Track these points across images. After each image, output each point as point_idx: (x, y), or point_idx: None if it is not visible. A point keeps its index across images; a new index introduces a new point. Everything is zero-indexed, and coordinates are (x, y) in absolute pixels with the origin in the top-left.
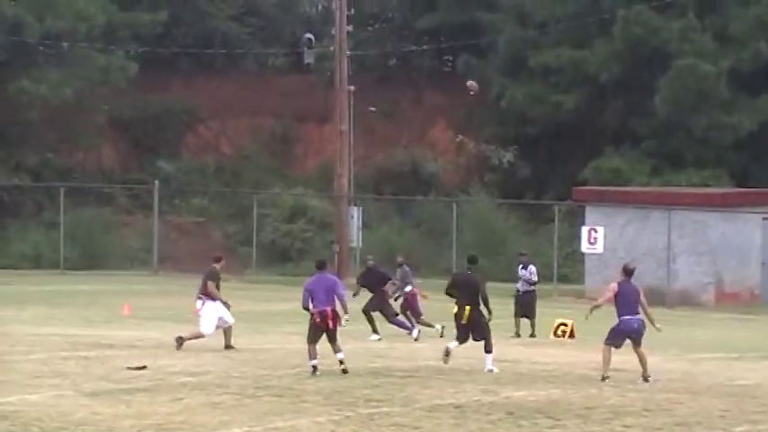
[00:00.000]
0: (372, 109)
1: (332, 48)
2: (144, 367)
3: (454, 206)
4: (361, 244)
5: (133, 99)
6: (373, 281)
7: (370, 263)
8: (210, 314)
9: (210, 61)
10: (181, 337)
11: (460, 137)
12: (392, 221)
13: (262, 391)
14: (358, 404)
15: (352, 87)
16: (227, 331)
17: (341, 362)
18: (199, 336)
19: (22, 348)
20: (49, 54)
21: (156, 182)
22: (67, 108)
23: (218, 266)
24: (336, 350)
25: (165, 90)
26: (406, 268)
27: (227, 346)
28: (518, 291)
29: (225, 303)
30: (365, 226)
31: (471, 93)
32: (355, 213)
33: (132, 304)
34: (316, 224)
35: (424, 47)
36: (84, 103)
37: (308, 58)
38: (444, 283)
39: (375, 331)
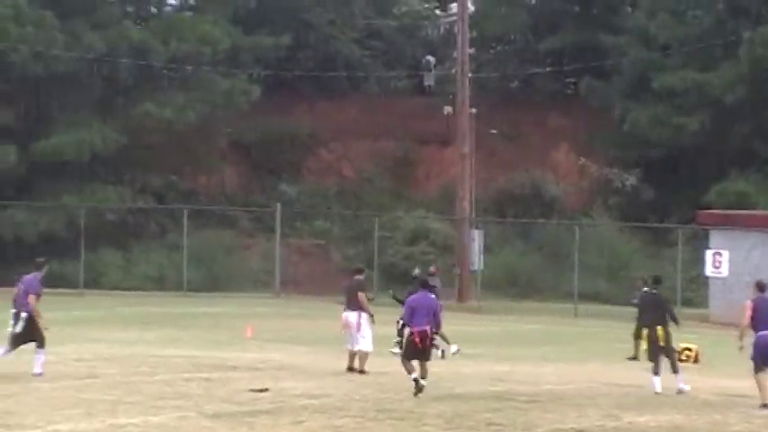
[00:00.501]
0: (494, 131)
1: (453, 70)
2: (266, 389)
3: (576, 229)
4: (482, 267)
5: (256, 122)
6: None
7: (416, 271)
8: (369, 330)
9: (332, 84)
10: (351, 368)
11: (583, 160)
12: (514, 245)
13: (383, 415)
14: (479, 428)
15: (473, 110)
16: (361, 355)
17: (417, 381)
18: (365, 357)
19: (146, 370)
20: (173, 78)
21: (279, 204)
22: (191, 131)
23: (362, 278)
24: (423, 374)
25: (287, 113)
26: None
27: (351, 369)
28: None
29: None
30: (486, 249)
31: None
32: (476, 236)
33: (254, 326)
34: (437, 247)
35: (547, 69)
36: (208, 126)
37: (429, 81)
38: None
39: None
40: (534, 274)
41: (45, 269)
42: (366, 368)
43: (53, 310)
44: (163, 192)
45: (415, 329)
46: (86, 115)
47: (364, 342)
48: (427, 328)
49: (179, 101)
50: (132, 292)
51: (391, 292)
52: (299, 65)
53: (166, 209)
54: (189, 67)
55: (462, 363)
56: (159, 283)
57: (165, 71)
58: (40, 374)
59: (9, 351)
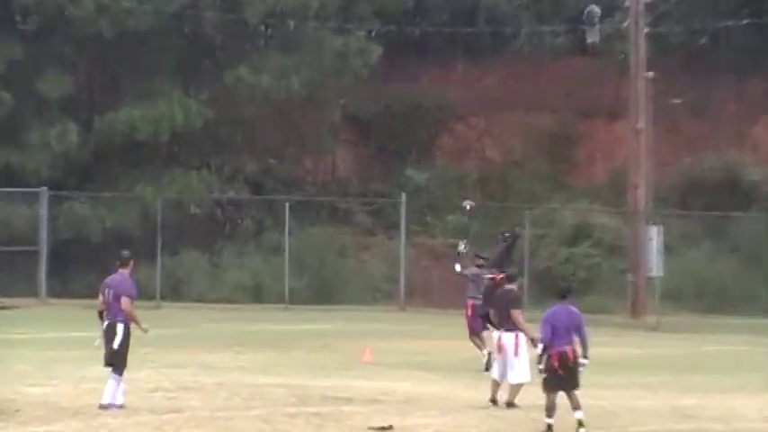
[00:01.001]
0: (677, 101)
1: (625, 24)
2: (390, 428)
3: None
4: (661, 272)
5: (375, 91)
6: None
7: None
8: (527, 355)
9: (471, 43)
10: (495, 400)
11: None
12: (701, 244)
13: None
14: None
15: (650, 74)
16: (513, 385)
17: (579, 423)
18: (518, 388)
19: (239, 402)
20: (272, 36)
21: (404, 195)
22: (295, 103)
23: (515, 288)
24: (575, 406)
25: (414, 80)
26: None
27: (494, 401)
28: None
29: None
30: (667, 250)
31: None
32: (654, 234)
33: (374, 348)
34: (603, 247)
35: (744, 21)
36: (316, 96)
37: (593, 37)
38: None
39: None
40: (727, 281)
41: (131, 266)
42: (516, 400)
43: None
44: (259, 179)
45: (553, 351)
46: (164, 84)
47: (519, 371)
48: (568, 348)
49: (279, 65)
50: (221, 305)
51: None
52: (428, 18)
53: (264, 200)
54: (291, 23)
55: (638, 393)
56: (254, 294)
57: (261, 28)
58: (119, 407)
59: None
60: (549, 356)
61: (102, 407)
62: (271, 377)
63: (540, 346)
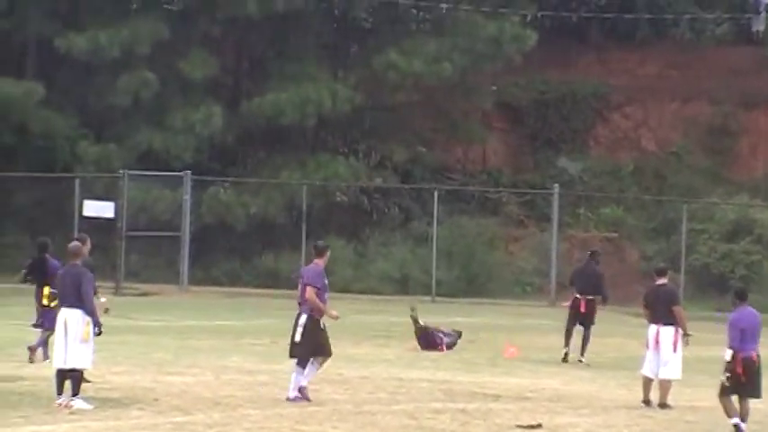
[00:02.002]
0: None
1: None
2: (539, 426)
3: None
4: None
5: (529, 79)
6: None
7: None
8: (681, 352)
9: (630, 30)
10: (648, 401)
11: None
12: None
13: None
14: None
15: None
16: (663, 384)
17: (737, 426)
18: (668, 386)
19: (384, 396)
20: (424, 20)
21: (557, 186)
22: (446, 89)
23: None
24: (744, 412)
25: (569, 67)
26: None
27: (648, 401)
28: None
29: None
30: None
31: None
32: None
33: (522, 343)
34: (764, 244)
35: None
36: (468, 83)
37: (758, 26)
38: None
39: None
40: None
41: (326, 256)
42: (669, 401)
43: (267, 316)
44: (408, 167)
45: (740, 356)
46: (312, 67)
47: (672, 367)
48: (754, 353)
49: (431, 50)
50: (366, 296)
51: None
52: (585, 4)
53: (412, 189)
54: (444, 6)
55: None
56: (401, 286)
57: (413, 11)
58: (295, 399)
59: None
60: (735, 361)
61: (289, 399)
62: (416, 371)
63: (730, 351)
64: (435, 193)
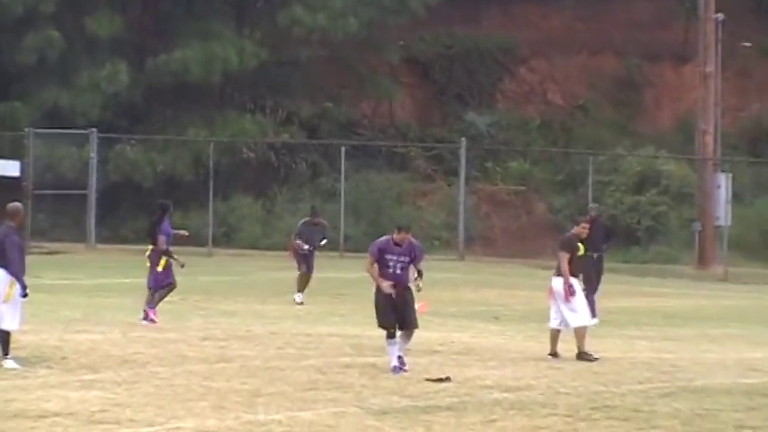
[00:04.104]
0: (747, 45)
1: None
2: (447, 379)
3: None
4: (729, 222)
5: (435, 33)
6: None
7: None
8: (583, 299)
9: None
10: (555, 353)
11: None
12: None
13: (599, 414)
14: (726, 431)
15: (720, 15)
16: (577, 332)
17: None
18: (582, 334)
19: (293, 352)
20: None
21: (464, 140)
22: (352, 45)
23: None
24: None
25: (475, 21)
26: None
27: (554, 354)
28: None
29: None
30: (736, 198)
31: None
32: (723, 182)
33: (432, 297)
34: (670, 196)
35: None
36: (374, 38)
37: None
38: None
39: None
40: None
41: (399, 232)
42: (587, 347)
43: (175, 275)
44: (315, 123)
45: None
46: (217, 24)
47: (575, 316)
48: None
49: (336, 4)
50: (274, 253)
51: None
52: None
53: (320, 145)
54: None
55: (704, 346)
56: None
57: None
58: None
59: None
60: None
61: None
62: (326, 326)
63: None
64: (342, 149)
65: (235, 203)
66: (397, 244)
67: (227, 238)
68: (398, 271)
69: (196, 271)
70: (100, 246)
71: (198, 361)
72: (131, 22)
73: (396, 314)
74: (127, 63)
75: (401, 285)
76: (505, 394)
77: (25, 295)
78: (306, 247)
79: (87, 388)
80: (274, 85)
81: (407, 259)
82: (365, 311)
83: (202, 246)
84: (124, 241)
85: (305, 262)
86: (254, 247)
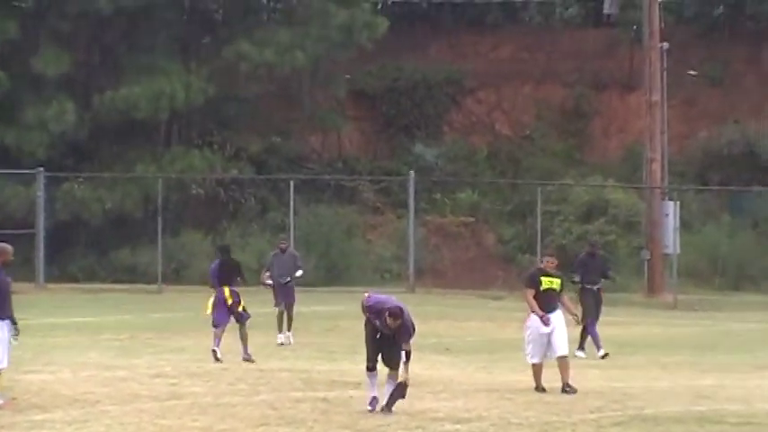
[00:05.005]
0: (693, 73)
1: None
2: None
3: None
4: (678, 250)
5: (382, 66)
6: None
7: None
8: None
9: (481, 15)
10: (543, 388)
11: None
12: (719, 220)
13: None
14: None
15: (665, 45)
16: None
17: None
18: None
19: (244, 388)
20: (275, 10)
21: (412, 172)
22: (299, 79)
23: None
24: None
25: (422, 54)
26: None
27: (542, 388)
28: None
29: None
30: (684, 226)
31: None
32: (671, 210)
33: None
34: (619, 224)
35: None
36: (321, 71)
37: (609, 9)
38: None
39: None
40: (747, 258)
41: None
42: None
43: (124, 312)
44: (263, 157)
45: None
46: (164, 60)
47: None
48: None
49: (283, 39)
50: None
51: None
52: None
53: (268, 180)
54: None
55: (655, 374)
56: (259, 277)
57: (264, 1)
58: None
59: None
60: None
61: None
62: (276, 361)
63: None
64: (291, 183)
65: (184, 239)
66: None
67: (176, 274)
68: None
69: (146, 308)
70: (49, 285)
71: (149, 399)
72: (78, 60)
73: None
74: (73, 101)
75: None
76: (457, 426)
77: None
78: (269, 282)
79: (38, 428)
80: (222, 120)
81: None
82: (315, 346)
83: (152, 282)
84: (73, 279)
85: (282, 297)
86: (203, 282)
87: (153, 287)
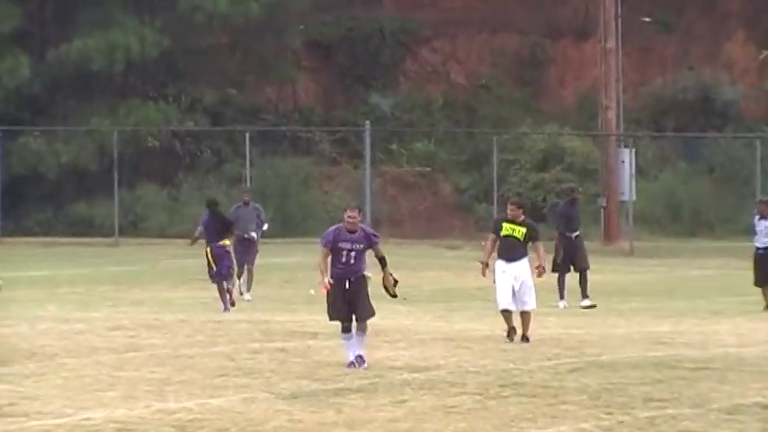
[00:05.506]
0: (647, 19)
1: None
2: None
3: (758, 144)
4: (634, 197)
5: (337, 17)
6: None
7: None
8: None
9: None
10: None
11: (766, 53)
12: (675, 166)
13: (508, 391)
14: (634, 405)
15: None
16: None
17: None
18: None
19: (202, 339)
20: None
21: (368, 122)
22: (253, 30)
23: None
24: None
25: (377, 3)
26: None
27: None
28: (757, 249)
29: None
30: (640, 173)
31: None
32: (627, 157)
33: None
34: (575, 172)
35: None
36: (275, 22)
37: None
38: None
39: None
40: (703, 204)
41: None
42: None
43: (82, 266)
44: (219, 109)
45: None
46: (118, 13)
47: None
48: None
49: None
50: (181, 241)
51: None
52: None
53: (224, 131)
54: None
55: (612, 321)
56: None
57: None
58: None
59: None
60: None
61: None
62: (234, 313)
63: None
64: (247, 135)
65: (140, 192)
66: (350, 231)
67: (133, 227)
68: (352, 261)
69: (103, 261)
70: (5, 239)
71: (107, 351)
72: (31, 14)
73: (348, 305)
74: (28, 55)
75: (354, 275)
76: (415, 374)
77: None
78: (245, 235)
79: None
80: (177, 72)
81: (362, 247)
82: (275, 297)
83: (109, 236)
84: (30, 233)
85: (241, 255)
86: (161, 235)
87: (110, 240)
